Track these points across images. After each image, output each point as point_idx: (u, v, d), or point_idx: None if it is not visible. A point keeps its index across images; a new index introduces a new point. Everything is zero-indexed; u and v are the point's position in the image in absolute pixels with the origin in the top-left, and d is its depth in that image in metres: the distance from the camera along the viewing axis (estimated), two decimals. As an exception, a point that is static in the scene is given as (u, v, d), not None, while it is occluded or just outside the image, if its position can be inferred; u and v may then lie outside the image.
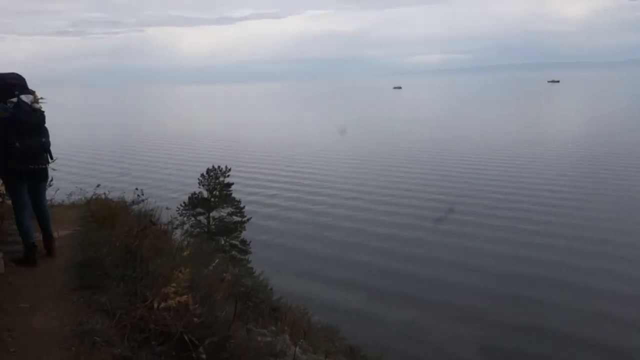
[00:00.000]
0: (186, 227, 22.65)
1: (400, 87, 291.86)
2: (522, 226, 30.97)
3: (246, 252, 26.21)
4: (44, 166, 5.62)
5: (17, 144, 5.23)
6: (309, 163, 55.49)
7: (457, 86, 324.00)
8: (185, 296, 4.57)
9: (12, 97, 5.32)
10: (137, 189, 8.58)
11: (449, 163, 52.16)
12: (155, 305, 4.44)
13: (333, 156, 59.29)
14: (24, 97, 5.40)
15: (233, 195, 28.95)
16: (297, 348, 5.11)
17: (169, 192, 39.77)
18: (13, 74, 5.58)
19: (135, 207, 8.61)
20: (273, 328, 6.03)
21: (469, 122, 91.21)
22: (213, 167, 28.79)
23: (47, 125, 5.70)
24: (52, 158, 5.73)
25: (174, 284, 4.80)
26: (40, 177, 5.67)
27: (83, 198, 9.73)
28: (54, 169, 6.36)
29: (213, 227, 28.23)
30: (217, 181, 28.27)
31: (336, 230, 32.26)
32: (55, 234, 6.03)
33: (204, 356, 4.25)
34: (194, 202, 28.40)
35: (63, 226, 6.72)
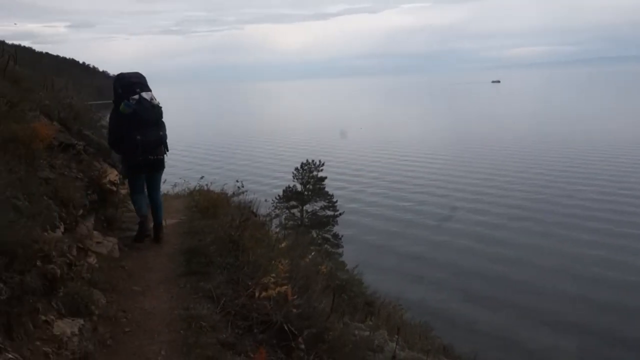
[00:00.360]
0: (280, 219, 23.14)
1: (498, 81, 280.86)
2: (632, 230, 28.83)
3: (338, 246, 26.40)
4: (161, 157, 6.02)
5: (138, 137, 5.66)
6: (400, 159, 54.84)
7: (560, 80, 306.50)
8: (285, 287, 4.64)
9: (134, 95, 5.71)
10: (237, 181, 8.84)
11: (545, 162, 49.48)
12: (257, 294, 4.54)
13: (424, 152, 58.30)
14: (144, 94, 5.77)
15: (326, 189, 29.26)
16: (396, 344, 5.04)
17: (265, 184, 40.88)
18: (136, 73, 5.99)
19: (235, 198, 8.90)
20: (370, 322, 5.99)
21: (572, 119, 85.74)
22: (307, 161, 29.21)
23: (163, 119, 6.09)
24: (167, 150, 6.10)
25: (274, 275, 4.89)
26: (157, 167, 6.07)
27: (187, 189, 10.19)
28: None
29: (306, 220, 28.68)
30: (311, 175, 28.67)
31: (425, 228, 31.75)
32: (163, 222, 6.36)
33: (302, 346, 4.31)
34: (289, 195, 29.01)
35: (170, 215, 7.04)
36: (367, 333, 5.00)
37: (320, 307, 5.03)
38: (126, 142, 5.75)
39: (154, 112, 5.85)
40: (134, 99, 5.70)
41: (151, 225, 6.17)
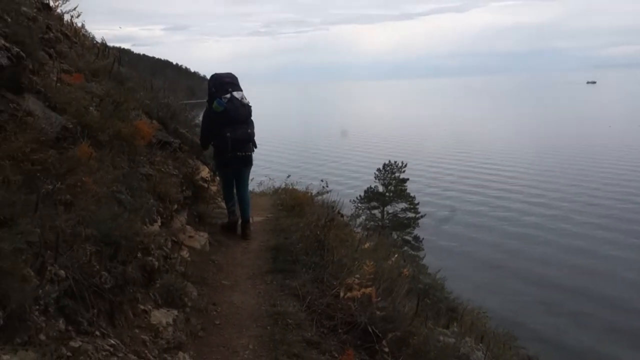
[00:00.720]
0: (361, 219, 23.10)
1: (594, 82, 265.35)
2: None
3: (418, 249, 26.00)
4: (249, 153, 6.24)
5: (228, 134, 5.93)
6: (484, 162, 53.04)
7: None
8: (370, 288, 4.61)
9: (226, 94, 6.00)
10: (322, 180, 8.92)
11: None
12: (341, 294, 4.54)
13: (513, 155, 55.99)
14: (235, 94, 6.05)
15: (407, 190, 28.92)
16: (482, 353, 4.88)
17: (346, 184, 40.93)
18: (228, 73, 6.28)
19: (319, 197, 8.97)
20: (455, 329, 5.83)
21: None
22: (389, 162, 28.99)
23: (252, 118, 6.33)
24: (255, 147, 6.33)
25: (358, 275, 4.87)
26: (245, 163, 6.30)
27: (272, 187, 10.40)
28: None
29: (387, 221, 28.48)
30: (393, 176, 28.44)
31: (512, 237, 30.26)
32: (250, 220, 6.54)
33: (386, 349, 4.26)
34: (370, 196, 28.94)
35: (256, 213, 7.21)
36: (453, 340, 4.86)
37: (404, 311, 4.96)
38: (217, 139, 6.05)
39: (244, 111, 6.09)
40: (225, 98, 5.96)
41: (239, 222, 6.36)
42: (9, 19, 3.47)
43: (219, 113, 5.94)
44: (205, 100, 6.33)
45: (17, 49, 3.12)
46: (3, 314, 1.98)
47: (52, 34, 5.08)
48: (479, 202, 37.93)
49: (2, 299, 2.02)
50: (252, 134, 6.18)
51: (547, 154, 55.98)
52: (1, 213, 2.29)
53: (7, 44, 3.03)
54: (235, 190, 6.42)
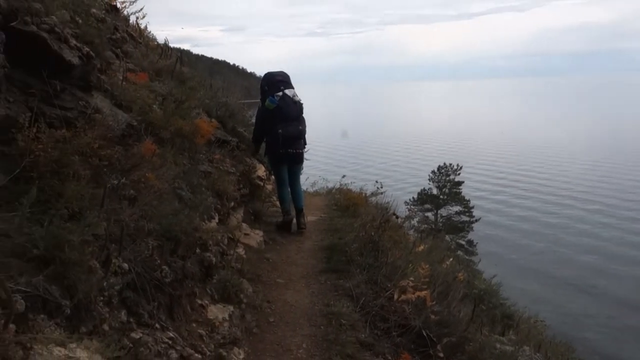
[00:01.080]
0: (414, 222, 22.82)
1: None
2: None
3: (472, 254, 25.48)
4: (300, 151, 6.33)
5: (280, 130, 6.04)
6: (544, 166, 51.31)
7: None
8: (424, 292, 4.53)
9: (278, 92, 6.13)
10: (376, 181, 8.87)
11: None
12: (396, 296, 4.49)
13: (572, 160, 53.96)
14: (287, 92, 6.17)
15: (462, 193, 28.40)
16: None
17: (399, 186, 40.55)
18: (281, 72, 6.41)
19: (373, 198, 8.91)
20: (512, 337, 5.66)
21: None
22: (444, 164, 28.55)
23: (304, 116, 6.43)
24: (306, 144, 6.42)
25: (412, 278, 4.80)
26: (297, 160, 6.39)
27: (325, 187, 10.41)
28: (307, 159, 6.98)
29: (440, 224, 28.05)
30: (448, 179, 28.00)
31: (569, 246, 29.04)
32: (304, 219, 6.58)
33: (441, 354, 4.17)
34: (423, 198, 28.60)
35: (310, 212, 7.22)
36: (510, 348, 4.71)
37: (459, 316, 4.85)
38: (269, 136, 6.19)
39: (295, 108, 6.19)
40: (278, 96, 6.09)
41: (293, 219, 6.39)
42: (80, 20, 3.60)
43: (271, 110, 6.07)
44: (259, 99, 6.47)
45: (87, 49, 3.23)
46: (70, 303, 2.04)
47: (118, 35, 5.24)
48: (531, 207, 36.69)
49: (69, 289, 2.08)
50: (304, 131, 6.27)
51: (606, 160, 53.60)
52: (71, 206, 2.38)
53: (78, 44, 3.14)
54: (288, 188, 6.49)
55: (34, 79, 2.78)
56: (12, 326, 1.70)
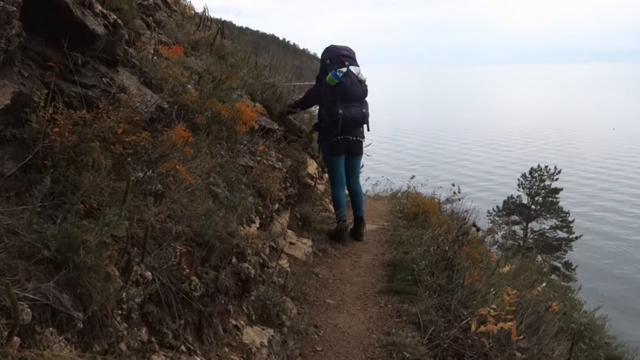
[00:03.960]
0: (498, 236, 22.41)
1: None
2: None
3: (570, 279, 24.75)
4: (361, 139, 6.45)
5: (341, 111, 6.13)
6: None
7: None
8: (510, 323, 4.43)
9: (342, 67, 6.22)
10: (453, 184, 8.76)
11: None
12: (473, 327, 4.41)
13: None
14: (352, 68, 6.26)
15: (560, 203, 27.66)
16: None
17: (480, 191, 39.83)
18: (345, 46, 6.50)
19: (448, 205, 8.80)
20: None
21: None
22: (538, 166, 27.90)
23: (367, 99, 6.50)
24: (369, 129, 6.49)
25: (494, 306, 4.70)
26: (356, 150, 6.50)
27: (390, 189, 10.35)
28: (367, 155, 6.98)
29: (530, 240, 27.42)
30: (542, 185, 27.33)
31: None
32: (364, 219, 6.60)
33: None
34: (510, 208, 28.04)
35: (370, 219, 7.20)
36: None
37: (552, 355, 4.73)
38: (326, 118, 6.26)
39: (360, 87, 6.28)
40: (341, 71, 6.18)
41: (349, 227, 6.41)
42: (107, -18, 3.70)
43: (332, 87, 6.16)
44: (316, 76, 6.61)
45: (114, 17, 3.32)
46: (84, 315, 2.09)
47: (151, 1, 5.37)
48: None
49: (83, 299, 2.13)
50: (367, 115, 6.33)
51: None
52: (88, 201, 2.43)
53: (104, 11, 3.23)
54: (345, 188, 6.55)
55: (52, 51, 2.87)
56: (16, 339, 1.75)
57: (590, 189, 43.83)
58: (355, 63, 6.34)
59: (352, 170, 6.56)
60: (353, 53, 6.44)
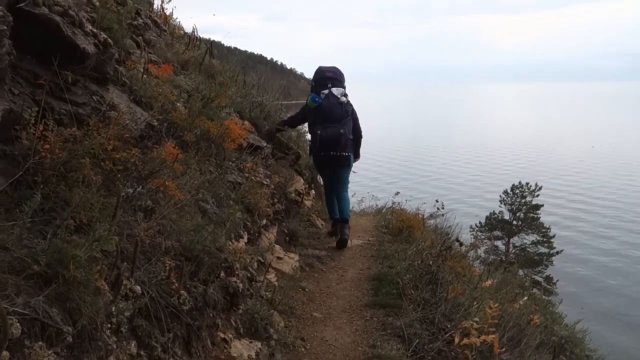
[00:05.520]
0: (481, 251, 22.50)
1: None
2: None
3: (551, 293, 24.86)
4: (345, 153, 6.53)
5: (319, 131, 6.35)
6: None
7: None
8: (492, 336, 4.44)
9: (325, 89, 6.43)
10: (437, 200, 8.79)
11: None
12: (456, 340, 4.41)
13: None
14: (334, 90, 6.44)
15: (541, 219, 27.80)
16: None
17: (464, 207, 39.91)
18: (332, 67, 6.67)
19: (432, 221, 8.82)
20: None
21: None
22: (519, 183, 28.08)
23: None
24: (358, 146, 6.84)
25: (477, 319, 4.71)
26: (340, 163, 6.61)
27: (375, 205, 10.36)
28: (354, 172, 7.01)
29: (512, 255, 27.54)
30: (523, 201, 27.50)
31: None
32: (348, 242, 6.61)
33: (511, 414, 4.08)
34: (492, 223, 28.14)
35: (356, 234, 7.21)
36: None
37: (533, 368, 4.74)
38: (311, 136, 6.59)
39: (339, 109, 6.42)
40: (323, 94, 6.40)
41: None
42: (97, 3, 3.71)
43: (313, 109, 6.42)
44: (302, 102, 6.87)
45: (104, 36, 3.32)
46: (73, 329, 2.07)
47: (141, 21, 5.39)
48: (628, 242, 35.30)
49: (72, 313, 2.11)
50: (344, 134, 6.41)
51: None
52: (78, 216, 2.42)
53: (94, 30, 3.23)
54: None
55: (42, 69, 2.87)
56: (5, 353, 1.73)
57: (571, 201, 44.17)
58: (338, 84, 6.49)
59: (339, 180, 6.76)
60: (339, 74, 6.59)
